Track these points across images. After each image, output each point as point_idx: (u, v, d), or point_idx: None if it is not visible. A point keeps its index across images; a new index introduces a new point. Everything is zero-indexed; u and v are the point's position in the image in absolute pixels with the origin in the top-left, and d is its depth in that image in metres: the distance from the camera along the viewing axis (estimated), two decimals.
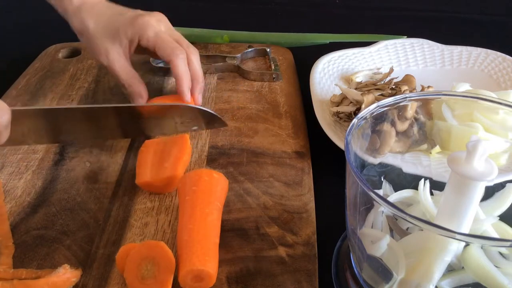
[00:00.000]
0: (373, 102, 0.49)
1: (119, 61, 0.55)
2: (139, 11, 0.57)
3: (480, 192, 0.32)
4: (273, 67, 0.70)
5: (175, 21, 0.81)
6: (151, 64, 0.70)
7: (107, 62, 0.55)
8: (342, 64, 0.70)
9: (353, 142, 0.36)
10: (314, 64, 0.68)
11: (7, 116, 0.45)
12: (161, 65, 0.71)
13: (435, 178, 0.40)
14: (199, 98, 0.58)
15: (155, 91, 0.66)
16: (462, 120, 0.47)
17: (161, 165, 0.48)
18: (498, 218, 0.36)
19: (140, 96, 0.56)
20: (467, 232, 0.34)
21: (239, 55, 0.72)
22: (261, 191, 0.49)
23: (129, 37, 0.55)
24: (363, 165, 0.40)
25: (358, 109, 0.55)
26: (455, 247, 0.33)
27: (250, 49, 0.74)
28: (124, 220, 0.46)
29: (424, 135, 0.47)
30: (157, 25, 0.56)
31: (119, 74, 0.55)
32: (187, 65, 0.56)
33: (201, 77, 0.58)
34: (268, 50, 0.74)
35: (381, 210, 0.37)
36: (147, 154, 0.50)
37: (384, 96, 0.56)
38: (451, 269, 0.34)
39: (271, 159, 0.54)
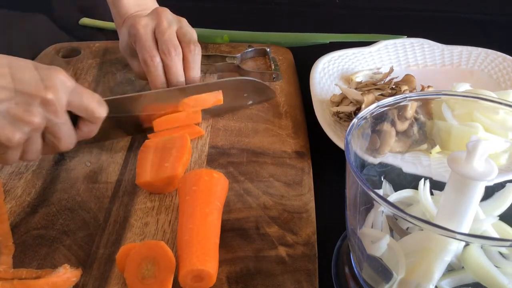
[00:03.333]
0: (373, 102, 0.49)
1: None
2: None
3: (480, 192, 0.32)
4: (273, 67, 0.70)
5: None
6: None
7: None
8: (342, 64, 0.70)
9: (353, 142, 0.36)
10: (314, 64, 0.68)
11: (105, 108, 0.47)
12: None
13: (435, 178, 0.40)
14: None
15: None
16: (462, 120, 0.47)
17: (161, 165, 0.48)
18: (498, 218, 0.36)
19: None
20: (467, 232, 0.34)
21: (239, 55, 0.72)
22: (261, 191, 0.49)
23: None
24: (363, 165, 0.40)
25: (358, 109, 0.55)
26: (455, 247, 0.33)
27: (250, 49, 0.74)
28: (124, 220, 0.46)
29: (424, 135, 0.47)
30: (146, 21, 0.55)
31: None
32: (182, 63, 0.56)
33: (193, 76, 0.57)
34: (268, 50, 0.74)
35: (381, 210, 0.37)
36: (147, 154, 0.50)
37: (384, 96, 0.56)
38: (451, 269, 0.34)
39: (271, 159, 0.54)
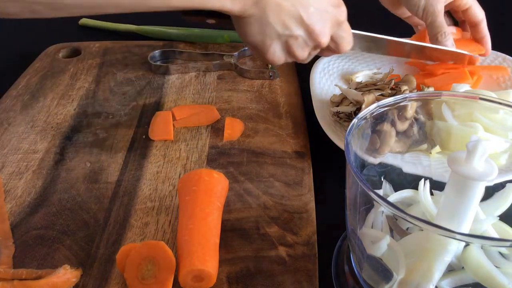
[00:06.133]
0: (373, 102, 0.49)
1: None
2: None
3: (480, 192, 0.32)
4: (269, 65, 0.70)
5: (175, 21, 0.81)
6: (150, 62, 0.70)
7: (439, 10, 0.59)
8: (342, 64, 0.70)
9: (353, 142, 0.36)
10: (314, 64, 0.68)
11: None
12: (159, 63, 0.71)
13: (435, 178, 0.40)
14: None
15: (155, 90, 0.66)
16: (462, 120, 0.47)
17: None
18: (498, 218, 0.36)
19: (453, 44, 0.59)
20: (467, 232, 0.34)
21: (236, 53, 0.72)
22: (261, 191, 0.49)
23: None
24: (363, 165, 0.40)
25: (358, 109, 0.55)
26: (455, 247, 0.33)
27: (247, 47, 0.74)
28: (124, 220, 0.46)
29: (424, 135, 0.47)
30: None
31: (444, 24, 0.60)
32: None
33: None
34: None
35: (381, 210, 0.37)
36: None
37: (384, 96, 0.56)
38: (451, 269, 0.34)
39: (271, 159, 0.54)
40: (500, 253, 0.34)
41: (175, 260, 0.39)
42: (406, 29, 0.80)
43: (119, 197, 0.49)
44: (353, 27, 0.53)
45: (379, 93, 0.56)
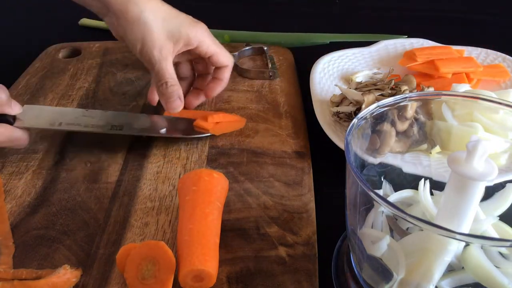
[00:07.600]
0: (373, 102, 0.49)
1: (169, 60, 0.54)
2: (189, 16, 0.57)
3: (480, 192, 0.32)
4: (270, 65, 0.70)
5: None
6: None
7: (159, 57, 0.53)
8: (342, 64, 0.70)
9: (353, 142, 0.36)
10: (314, 64, 0.68)
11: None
12: None
13: (435, 178, 0.40)
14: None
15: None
16: (462, 120, 0.47)
17: None
18: (498, 218, 0.36)
19: (180, 98, 0.55)
20: (467, 232, 0.34)
21: (236, 53, 0.72)
22: (261, 191, 0.49)
23: (187, 40, 0.55)
24: (363, 165, 0.40)
25: (358, 109, 0.55)
26: (455, 247, 0.33)
27: (247, 47, 0.74)
28: (124, 220, 0.46)
29: (424, 135, 0.47)
30: (210, 34, 0.59)
31: (165, 72, 0.54)
32: None
33: None
34: (265, 48, 0.74)
35: (381, 210, 0.37)
36: None
37: (384, 96, 0.56)
38: (451, 269, 0.34)
39: (271, 159, 0.54)
40: (500, 253, 0.34)
41: (175, 260, 0.39)
42: (405, 30, 0.80)
43: (119, 197, 0.49)
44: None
45: (379, 93, 0.56)
